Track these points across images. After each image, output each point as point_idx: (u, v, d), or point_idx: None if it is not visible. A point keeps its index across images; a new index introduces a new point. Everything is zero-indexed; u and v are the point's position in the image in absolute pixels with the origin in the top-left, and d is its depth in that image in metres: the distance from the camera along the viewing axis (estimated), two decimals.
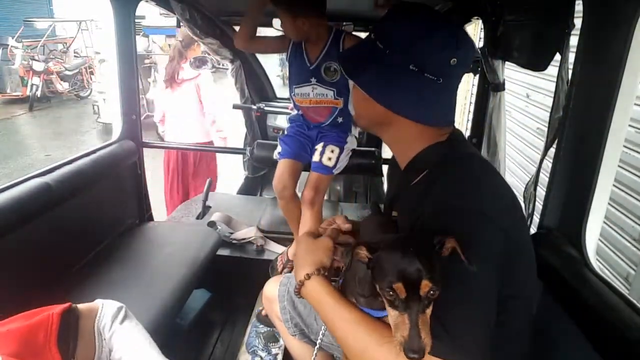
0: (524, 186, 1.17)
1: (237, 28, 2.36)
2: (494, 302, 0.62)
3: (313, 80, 1.57)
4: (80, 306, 0.92)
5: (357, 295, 0.69)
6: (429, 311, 0.55)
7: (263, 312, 1.53)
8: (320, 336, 0.86)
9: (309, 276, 0.72)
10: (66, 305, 0.86)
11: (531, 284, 0.74)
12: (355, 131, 1.71)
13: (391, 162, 1.01)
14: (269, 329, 1.49)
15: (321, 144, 1.63)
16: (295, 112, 1.75)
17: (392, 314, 0.57)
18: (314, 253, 0.77)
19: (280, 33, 1.63)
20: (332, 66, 1.54)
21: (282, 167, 1.64)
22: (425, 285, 0.54)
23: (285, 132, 1.74)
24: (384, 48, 0.74)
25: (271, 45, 1.65)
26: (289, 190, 1.63)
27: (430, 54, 0.72)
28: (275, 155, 1.71)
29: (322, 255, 0.76)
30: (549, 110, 1.06)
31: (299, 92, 1.61)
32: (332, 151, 1.62)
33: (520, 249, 0.69)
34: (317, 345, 0.87)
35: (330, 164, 1.62)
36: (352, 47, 0.86)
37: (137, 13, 1.71)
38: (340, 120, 1.63)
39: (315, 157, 1.63)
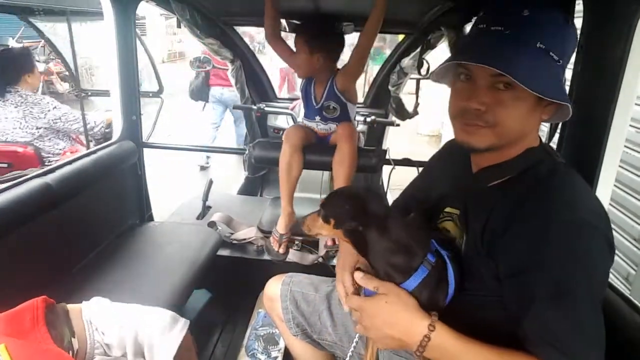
0: None
1: (237, 28, 2.40)
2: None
3: (317, 118, 1.65)
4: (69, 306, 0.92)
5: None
6: None
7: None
8: (352, 348, 0.86)
9: (433, 327, 0.65)
10: (44, 296, 0.84)
11: None
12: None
13: (441, 157, 0.98)
14: (268, 331, 1.49)
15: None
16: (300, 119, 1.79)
17: None
18: (405, 307, 0.68)
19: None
20: (331, 105, 1.59)
21: (296, 125, 1.71)
22: None
23: None
24: (557, 59, 0.67)
25: (286, 53, 1.65)
26: (299, 140, 1.60)
27: (572, 50, 0.71)
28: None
29: (413, 305, 0.69)
30: None
31: (306, 123, 1.70)
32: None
33: (612, 255, 0.68)
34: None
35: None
36: (527, 63, 0.65)
37: (137, 13, 1.71)
38: None
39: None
